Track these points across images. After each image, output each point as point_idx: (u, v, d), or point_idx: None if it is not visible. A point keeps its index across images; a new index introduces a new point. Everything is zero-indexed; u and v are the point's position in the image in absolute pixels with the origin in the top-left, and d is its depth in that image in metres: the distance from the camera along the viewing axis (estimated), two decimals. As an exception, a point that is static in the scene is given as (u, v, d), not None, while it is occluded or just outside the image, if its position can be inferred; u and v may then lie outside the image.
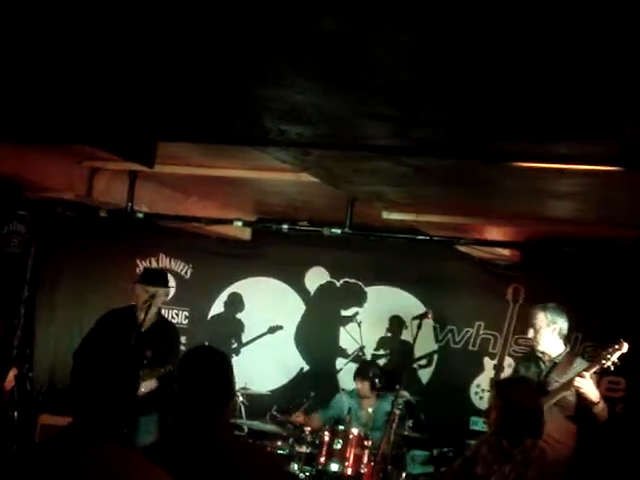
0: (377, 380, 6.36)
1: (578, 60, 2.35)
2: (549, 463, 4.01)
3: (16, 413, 6.31)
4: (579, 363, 5.17)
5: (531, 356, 5.47)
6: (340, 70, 2.71)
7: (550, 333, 5.22)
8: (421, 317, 5.88)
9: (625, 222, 5.36)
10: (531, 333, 5.29)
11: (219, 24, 2.39)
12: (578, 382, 4.87)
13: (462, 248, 6.61)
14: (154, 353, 5.77)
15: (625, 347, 4.88)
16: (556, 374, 5.13)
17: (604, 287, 6.34)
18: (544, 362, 5.27)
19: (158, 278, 6.17)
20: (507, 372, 6.69)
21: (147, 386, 5.56)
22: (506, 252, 6.66)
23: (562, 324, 5.24)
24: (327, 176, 4.92)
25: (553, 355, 5.25)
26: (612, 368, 4.99)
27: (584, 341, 6.40)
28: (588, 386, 4.90)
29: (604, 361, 4.91)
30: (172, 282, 7.92)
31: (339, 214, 6.21)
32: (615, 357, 4.89)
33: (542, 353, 5.27)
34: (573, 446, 5.14)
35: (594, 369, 4.97)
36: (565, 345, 5.33)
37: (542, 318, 5.23)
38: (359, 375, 6.48)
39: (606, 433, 6.07)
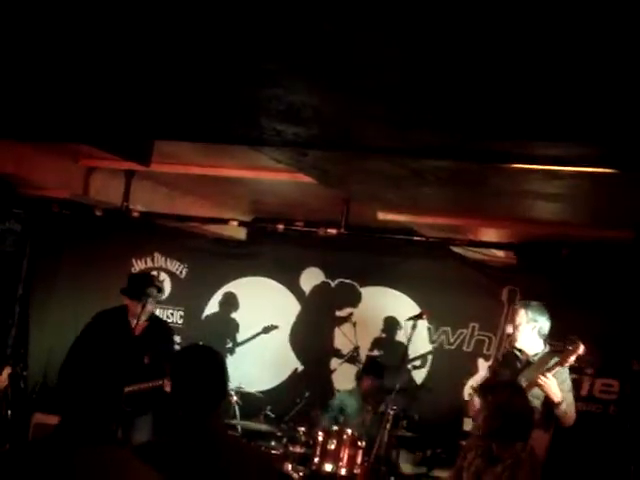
0: (384, 379, 6.25)
1: (573, 62, 2.36)
2: (538, 463, 3.99)
3: (10, 412, 6.31)
4: (552, 362, 5.10)
5: (507, 356, 5.46)
6: (337, 71, 2.72)
7: (529, 331, 5.20)
8: (416, 318, 5.87)
9: (618, 224, 5.38)
10: (510, 329, 5.29)
11: (216, 24, 2.40)
12: (541, 380, 4.88)
13: (457, 249, 6.61)
14: (152, 359, 5.74)
15: (581, 349, 4.85)
16: (527, 372, 5.11)
17: (600, 289, 6.34)
18: (520, 361, 5.25)
19: (143, 291, 5.81)
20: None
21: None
22: (501, 254, 6.67)
23: (543, 323, 5.21)
24: (323, 177, 4.94)
25: (531, 353, 5.22)
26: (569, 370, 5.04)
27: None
28: (550, 385, 4.89)
29: (562, 362, 4.92)
30: (167, 281, 7.93)
31: (335, 214, 6.22)
32: (572, 359, 4.89)
33: (519, 351, 5.25)
34: (546, 446, 5.07)
35: (555, 370, 4.97)
36: (545, 345, 5.30)
37: (522, 315, 5.21)
38: (370, 372, 6.35)
39: (599, 435, 6.10)
